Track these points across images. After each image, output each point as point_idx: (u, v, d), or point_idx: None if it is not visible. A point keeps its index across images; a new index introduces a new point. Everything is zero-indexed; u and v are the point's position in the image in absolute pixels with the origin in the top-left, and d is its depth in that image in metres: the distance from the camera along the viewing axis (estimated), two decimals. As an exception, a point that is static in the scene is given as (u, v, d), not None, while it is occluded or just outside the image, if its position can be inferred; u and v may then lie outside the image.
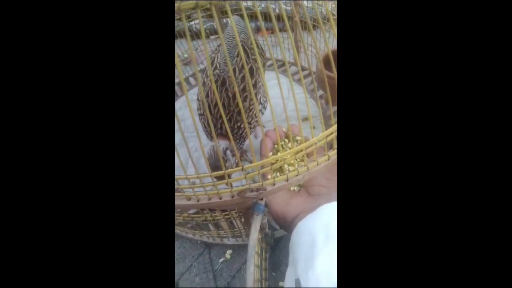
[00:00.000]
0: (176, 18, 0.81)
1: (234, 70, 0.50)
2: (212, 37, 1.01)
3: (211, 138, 0.51)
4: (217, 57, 0.53)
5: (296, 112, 0.31)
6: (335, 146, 0.36)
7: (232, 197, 0.33)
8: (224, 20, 0.99)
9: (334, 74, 0.32)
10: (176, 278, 0.57)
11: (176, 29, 0.85)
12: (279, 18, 0.85)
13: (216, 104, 0.44)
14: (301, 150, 0.33)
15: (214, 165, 0.43)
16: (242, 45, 0.53)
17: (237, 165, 0.48)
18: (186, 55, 0.87)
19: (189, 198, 0.34)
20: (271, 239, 0.55)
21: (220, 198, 0.33)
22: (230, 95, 0.25)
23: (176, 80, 0.82)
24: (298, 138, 0.47)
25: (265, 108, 0.55)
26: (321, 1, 0.69)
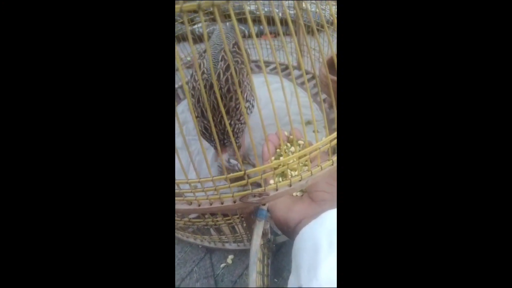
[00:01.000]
0: (179, 21, 0.81)
1: (218, 74, 0.53)
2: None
3: (210, 141, 0.54)
4: (203, 63, 0.57)
5: (299, 116, 0.30)
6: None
7: (234, 202, 0.32)
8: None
9: (328, 77, 0.31)
10: (177, 283, 0.57)
11: (180, 32, 0.85)
12: (283, 22, 0.85)
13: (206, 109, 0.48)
14: (305, 155, 0.32)
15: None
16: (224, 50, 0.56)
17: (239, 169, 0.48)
18: (189, 58, 0.86)
19: (190, 203, 0.33)
20: (273, 244, 0.54)
21: (222, 203, 0.32)
22: (218, 98, 0.25)
23: (180, 83, 0.82)
24: (301, 142, 0.46)
25: (253, 106, 0.59)
26: (324, 5, 0.69)
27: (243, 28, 0.98)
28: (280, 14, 0.85)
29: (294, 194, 0.40)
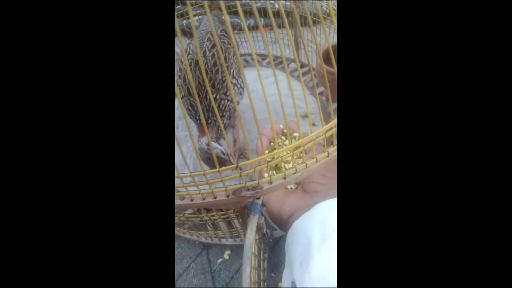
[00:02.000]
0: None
1: (204, 51, 0.55)
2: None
3: (195, 119, 0.55)
4: (189, 47, 0.59)
5: (294, 109, 0.29)
6: (335, 142, 0.34)
7: (227, 196, 0.31)
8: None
9: (335, 69, 0.30)
10: (174, 279, 0.56)
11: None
12: (278, 14, 0.84)
13: (186, 86, 0.51)
14: (299, 147, 0.31)
15: (209, 158, 0.42)
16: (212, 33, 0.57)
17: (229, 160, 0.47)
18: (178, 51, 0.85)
19: (182, 198, 0.32)
20: (269, 239, 0.54)
21: (215, 197, 0.32)
22: (203, 71, 0.24)
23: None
24: (296, 134, 0.45)
25: (242, 88, 0.59)
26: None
27: (239, 21, 0.97)
28: (276, 6, 0.84)
29: (289, 186, 0.39)
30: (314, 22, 0.75)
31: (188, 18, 0.90)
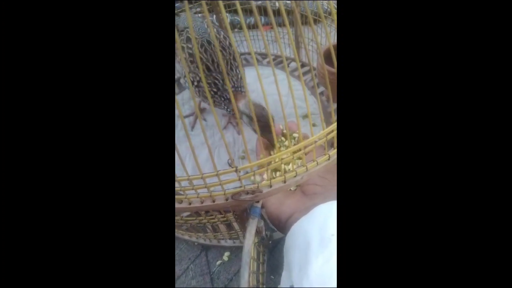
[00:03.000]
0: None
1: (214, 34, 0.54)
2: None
3: (201, 96, 0.55)
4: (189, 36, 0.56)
5: (294, 109, 0.29)
6: (335, 145, 0.34)
7: (226, 199, 0.31)
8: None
9: (335, 69, 0.30)
10: (172, 281, 0.56)
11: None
12: (278, 13, 0.83)
13: (213, 59, 0.51)
14: (299, 149, 0.31)
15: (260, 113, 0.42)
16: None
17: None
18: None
19: (180, 201, 0.32)
20: (269, 241, 0.53)
21: (213, 201, 0.31)
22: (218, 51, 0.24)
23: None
24: (295, 135, 0.45)
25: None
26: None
27: (239, 19, 0.96)
28: (277, 5, 0.83)
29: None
30: (315, 21, 0.75)
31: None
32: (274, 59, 0.77)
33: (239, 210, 0.34)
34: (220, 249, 0.58)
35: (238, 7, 0.24)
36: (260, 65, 0.77)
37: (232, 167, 0.28)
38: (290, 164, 0.37)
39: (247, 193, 0.30)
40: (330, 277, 0.26)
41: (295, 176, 0.32)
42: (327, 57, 0.57)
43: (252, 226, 0.32)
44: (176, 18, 0.66)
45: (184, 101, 0.73)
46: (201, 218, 0.38)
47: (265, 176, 0.37)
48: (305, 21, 0.75)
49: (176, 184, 0.30)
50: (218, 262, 0.57)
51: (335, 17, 0.28)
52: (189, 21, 0.23)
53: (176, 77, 0.77)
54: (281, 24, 0.90)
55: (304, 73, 0.77)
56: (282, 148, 0.44)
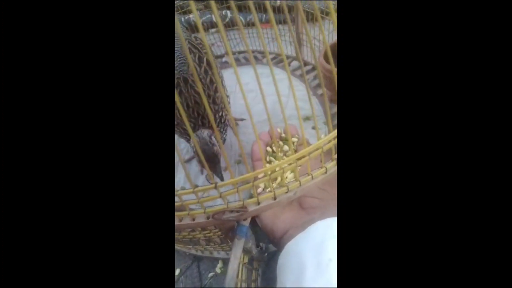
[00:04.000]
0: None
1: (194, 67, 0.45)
2: (212, 30, 0.96)
3: (186, 137, 0.46)
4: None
5: (296, 111, 0.25)
6: (334, 156, 0.30)
7: (207, 218, 0.27)
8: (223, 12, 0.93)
9: (333, 69, 0.26)
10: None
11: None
12: (279, 10, 0.78)
13: (188, 104, 0.41)
14: (304, 156, 0.26)
15: (210, 152, 0.37)
16: (189, 42, 0.47)
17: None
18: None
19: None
20: (264, 253, 0.49)
21: (193, 220, 0.27)
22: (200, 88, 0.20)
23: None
24: (294, 139, 0.41)
25: (228, 96, 0.52)
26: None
27: (241, 18, 0.92)
28: (278, 2, 0.79)
29: None
30: (314, 19, 0.70)
31: (185, 13, 0.85)
32: (274, 58, 0.73)
33: (225, 228, 0.31)
34: (213, 260, 0.54)
35: (232, 4, 0.21)
36: (260, 63, 0.73)
37: (211, 183, 0.24)
38: (289, 173, 0.33)
39: (232, 211, 0.27)
40: None
41: (286, 192, 0.28)
42: (330, 55, 0.53)
43: (238, 248, 0.29)
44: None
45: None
46: (185, 234, 0.34)
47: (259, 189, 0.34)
48: (308, 18, 0.71)
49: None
50: (210, 274, 0.53)
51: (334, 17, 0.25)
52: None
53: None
54: (281, 22, 0.86)
55: (306, 72, 0.73)
56: (280, 154, 0.40)
